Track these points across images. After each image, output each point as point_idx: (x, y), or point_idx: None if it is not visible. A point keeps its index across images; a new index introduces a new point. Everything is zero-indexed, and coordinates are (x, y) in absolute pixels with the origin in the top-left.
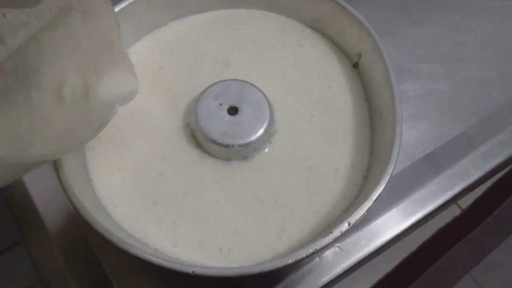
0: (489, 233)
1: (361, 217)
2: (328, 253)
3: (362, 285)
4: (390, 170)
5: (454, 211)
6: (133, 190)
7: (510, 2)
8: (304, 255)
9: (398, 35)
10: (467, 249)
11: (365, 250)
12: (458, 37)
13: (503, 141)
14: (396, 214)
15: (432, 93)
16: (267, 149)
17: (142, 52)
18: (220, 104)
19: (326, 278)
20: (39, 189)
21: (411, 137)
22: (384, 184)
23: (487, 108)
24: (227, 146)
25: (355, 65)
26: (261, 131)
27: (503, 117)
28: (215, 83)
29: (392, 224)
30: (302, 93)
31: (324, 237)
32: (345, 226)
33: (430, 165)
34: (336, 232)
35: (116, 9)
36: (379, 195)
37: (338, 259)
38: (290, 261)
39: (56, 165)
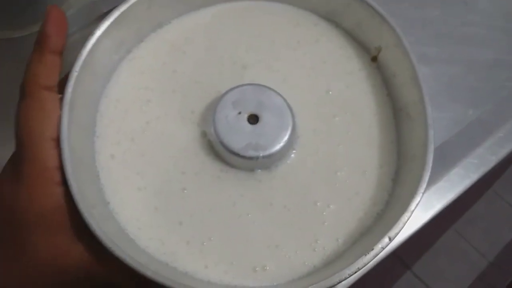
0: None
1: (400, 229)
2: None
3: None
4: (426, 179)
5: None
6: (156, 210)
7: None
8: (347, 275)
9: (402, 17)
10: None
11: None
12: (464, 16)
13: None
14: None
15: (443, 77)
16: (291, 156)
17: (148, 55)
18: (239, 113)
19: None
20: None
21: None
22: (421, 194)
23: (500, 90)
24: (251, 158)
25: (374, 59)
26: (285, 140)
27: None
28: (231, 89)
29: (412, 219)
30: (322, 93)
31: (366, 255)
32: (385, 241)
33: (445, 155)
34: (378, 248)
35: (117, 12)
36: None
37: None
38: (337, 280)
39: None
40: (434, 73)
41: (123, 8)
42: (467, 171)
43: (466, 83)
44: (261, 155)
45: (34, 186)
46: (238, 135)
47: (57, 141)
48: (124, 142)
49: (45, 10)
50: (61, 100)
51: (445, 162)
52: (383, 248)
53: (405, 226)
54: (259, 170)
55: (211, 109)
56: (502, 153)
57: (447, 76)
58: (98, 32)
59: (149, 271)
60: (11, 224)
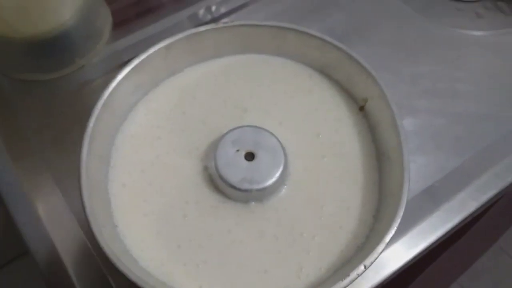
0: (476, 240)
1: (375, 259)
2: None
3: None
4: (400, 214)
5: None
6: (158, 234)
7: (501, 37)
8: None
9: (395, 72)
10: (454, 257)
11: (372, 282)
12: (453, 73)
13: (497, 173)
14: (401, 247)
15: (430, 128)
16: (283, 191)
17: (161, 99)
18: (238, 150)
19: None
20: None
21: (411, 171)
22: (395, 227)
23: (482, 141)
24: (245, 191)
25: (361, 109)
26: (276, 176)
27: (497, 150)
28: (232, 130)
29: (396, 256)
30: (313, 137)
31: (342, 280)
32: (361, 269)
33: (429, 199)
34: (353, 275)
35: (137, 60)
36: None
37: None
38: None
39: (87, 216)
40: (421, 124)
41: (142, 56)
42: (449, 214)
43: (451, 134)
44: (254, 188)
45: None
46: (236, 170)
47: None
48: (135, 173)
49: None
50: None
51: (428, 205)
52: (358, 275)
53: (390, 263)
54: (253, 202)
55: (213, 146)
56: (482, 199)
57: (433, 127)
58: (120, 76)
59: (148, 285)
60: None
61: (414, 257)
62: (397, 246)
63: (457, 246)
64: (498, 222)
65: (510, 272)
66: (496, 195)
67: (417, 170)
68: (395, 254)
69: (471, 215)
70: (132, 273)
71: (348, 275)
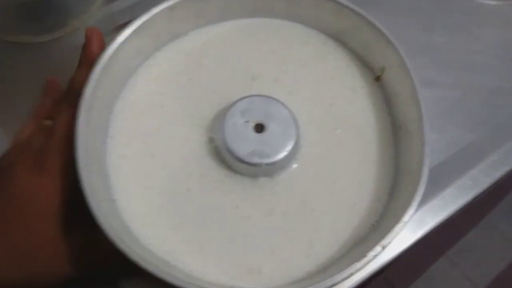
0: (464, 216)
1: (393, 239)
2: None
3: None
4: (421, 192)
5: None
6: (159, 209)
7: None
8: (340, 279)
9: (409, 41)
10: (443, 231)
11: (380, 262)
12: (469, 44)
13: (511, 150)
14: (410, 225)
15: (444, 101)
16: (294, 165)
17: (165, 64)
18: (247, 121)
19: None
20: None
21: None
22: (415, 206)
23: (496, 116)
24: (254, 165)
25: (377, 79)
26: (288, 149)
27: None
28: (240, 99)
29: (405, 234)
30: (326, 108)
31: (359, 261)
32: (378, 250)
33: (441, 175)
34: (370, 256)
35: (139, 21)
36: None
37: None
38: (329, 284)
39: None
40: (435, 97)
41: (144, 18)
42: (461, 191)
43: (465, 107)
44: (264, 162)
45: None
46: (244, 142)
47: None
48: (136, 143)
49: (87, 31)
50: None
51: (440, 182)
52: (375, 256)
53: (398, 242)
54: (262, 177)
55: (221, 117)
56: (495, 176)
57: (447, 100)
58: (120, 39)
59: (151, 265)
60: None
61: (425, 236)
62: (407, 225)
63: (446, 220)
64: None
65: (497, 246)
66: (509, 172)
67: (429, 145)
68: (405, 233)
69: (484, 192)
70: (133, 251)
71: (365, 256)
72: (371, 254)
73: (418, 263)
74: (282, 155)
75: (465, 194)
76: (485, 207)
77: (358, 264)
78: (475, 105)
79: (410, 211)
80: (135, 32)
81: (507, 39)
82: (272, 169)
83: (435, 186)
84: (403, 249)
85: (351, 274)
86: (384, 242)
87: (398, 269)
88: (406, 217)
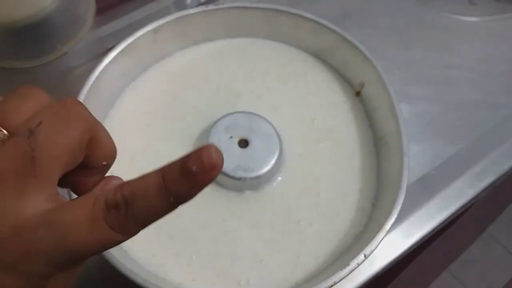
0: (465, 229)
1: (375, 247)
2: None
3: None
4: (401, 201)
5: None
6: None
7: (494, 23)
8: None
9: (389, 58)
10: (444, 246)
11: (368, 273)
12: (447, 59)
13: (494, 161)
14: (396, 236)
15: (425, 115)
16: (278, 178)
17: (151, 84)
18: (231, 137)
19: None
20: None
21: None
22: (395, 215)
23: (478, 128)
24: (239, 179)
25: (358, 94)
26: (272, 163)
27: (493, 137)
28: (224, 116)
29: (392, 246)
30: (308, 122)
31: (342, 270)
32: (361, 258)
33: (425, 187)
34: (353, 264)
35: (124, 44)
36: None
37: (342, 282)
38: None
39: None
40: (416, 111)
41: (130, 40)
42: (446, 202)
43: (446, 121)
44: (249, 176)
45: None
46: (229, 157)
47: None
48: (124, 162)
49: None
50: None
51: (424, 193)
52: (358, 264)
53: (386, 253)
54: (248, 191)
55: (206, 133)
56: (479, 186)
57: (428, 114)
58: (106, 60)
59: (139, 278)
60: None
61: (411, 247)
62: (393, 236)
63: (447, 234)
64: (487, 211)
65: (499, 260)
66: (493, 183)
67: (412, 158)
68: (391, 244)
69: (468, 203)
70: (123, 265)
71: (348, 264)
72: (354, 262)
73: (421, 278)
74: (266, 169)
75: (450, 205)
76: (484, 220)
77: (342, 273)
78: (456, 119)
79: (391, 219)
80: (121, 53)
81: (485, 54)
82: (257, 183)
83: (420, 197)
84: (392, 259)
85: (335, 283)
86: (366, 251)
87: (401, 284)
88: (387, 226)
